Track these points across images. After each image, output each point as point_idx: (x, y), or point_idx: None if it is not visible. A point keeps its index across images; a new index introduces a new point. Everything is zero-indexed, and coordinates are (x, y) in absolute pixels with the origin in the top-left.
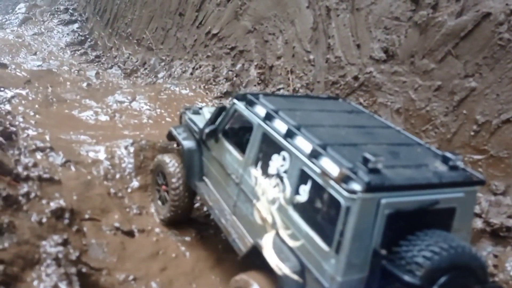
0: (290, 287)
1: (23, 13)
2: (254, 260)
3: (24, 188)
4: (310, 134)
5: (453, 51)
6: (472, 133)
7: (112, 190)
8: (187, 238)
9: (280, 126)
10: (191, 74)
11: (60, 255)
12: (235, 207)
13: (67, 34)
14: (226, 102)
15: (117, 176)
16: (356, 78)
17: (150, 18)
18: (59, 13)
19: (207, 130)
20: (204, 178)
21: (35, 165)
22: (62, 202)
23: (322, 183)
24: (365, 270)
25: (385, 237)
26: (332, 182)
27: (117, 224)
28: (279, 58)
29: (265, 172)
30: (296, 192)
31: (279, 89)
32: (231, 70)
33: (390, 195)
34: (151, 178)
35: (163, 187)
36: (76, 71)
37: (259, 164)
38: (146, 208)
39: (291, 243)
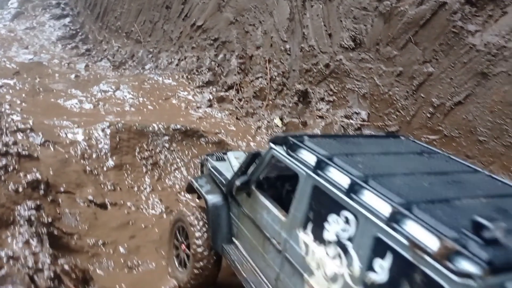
0: None
1: (15, 7)
2: None
3: (2, 161)
4: (383, 188)
5: (413, 39)
6: (429, 115)
7: (88, 168)
8: (158, 212)
9: (338, 177)
10: (177, 65)
11: (33, 218)
12: (278, 280)
13: (59, 28)
14: (207, 91)
15: (94, 155)
16: (327, 65)
17: (138, 11)
18: (51, 7)
19: (238, 183)
20: (234, 240)
21: (15, 143)
22: (38, 175)
23: (411, 258)
24: None
25: None
26: (429, 259)
27: (90, 197)
28: (258, 48)
29: (319, 238)
30: (369, 267)
31: (257, 78)
32: (213, 61)
33: None
34: (168, 233)
35: (183, 246)
36: (66, 64)
37: (310, 226)
38: (120, 185)
39: None
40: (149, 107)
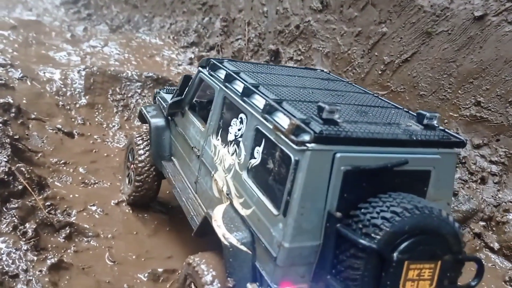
0: (236, 260)
1: None
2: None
3: None
4: (268, 92)
5: (371, 0)
6: (380, 72)
7: (61, 103)
8: (121, 145)
9: (238, 86)
10: (168, 29)
11: None
12: (197, 182)
13: None
14: (190, 51)
15: (68, 93)
16: (297, 27)
17: None
18: None
19: (170, 102)
20: (172, 158)
21: None
22: (11, 100)
23: (273, 139)
24: (319, 237)
25: (343, 199)
26: (283, 136)
27: (59, 126)
28: (240, 11)
29: (224, 140)
30: (251, 156)
31: (237, 39)
32: (200, 24)
33: (347, 149)
34: (123, 156)
35: (132, 166)
36: (66, 27)
37: (220, 132)
38: (90, 120)
39: (243, 211)
40: (133, 62)
